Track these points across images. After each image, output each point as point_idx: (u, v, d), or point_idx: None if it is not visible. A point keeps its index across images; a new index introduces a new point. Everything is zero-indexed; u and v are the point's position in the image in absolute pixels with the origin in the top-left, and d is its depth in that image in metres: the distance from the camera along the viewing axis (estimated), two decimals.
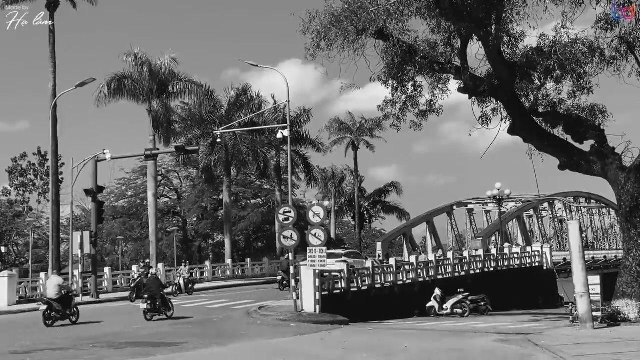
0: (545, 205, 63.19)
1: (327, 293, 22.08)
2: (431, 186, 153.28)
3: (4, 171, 68.99)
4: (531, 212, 61.64)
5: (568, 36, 18.07)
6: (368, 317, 22.13)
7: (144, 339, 15.59)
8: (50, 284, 19.85)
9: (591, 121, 19.37)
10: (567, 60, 18.05)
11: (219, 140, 38.07)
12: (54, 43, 36.34)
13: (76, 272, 31.18)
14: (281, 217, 21.70)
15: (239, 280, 40.04)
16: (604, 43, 18.26)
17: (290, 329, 17.37)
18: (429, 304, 27.13)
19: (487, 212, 62.99)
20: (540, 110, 20.33)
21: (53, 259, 32.14)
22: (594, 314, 15.66)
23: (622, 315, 16.95)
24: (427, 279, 30.53)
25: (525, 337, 14.74)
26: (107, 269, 34.16)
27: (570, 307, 17.49)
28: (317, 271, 20.44)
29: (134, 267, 31.75)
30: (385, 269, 28.76)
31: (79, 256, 34.41)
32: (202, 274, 39.48)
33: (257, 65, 31.72)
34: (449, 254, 36.00)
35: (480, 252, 38.55)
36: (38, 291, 28.66)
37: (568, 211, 64.35)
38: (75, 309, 19.67)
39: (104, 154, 30.23)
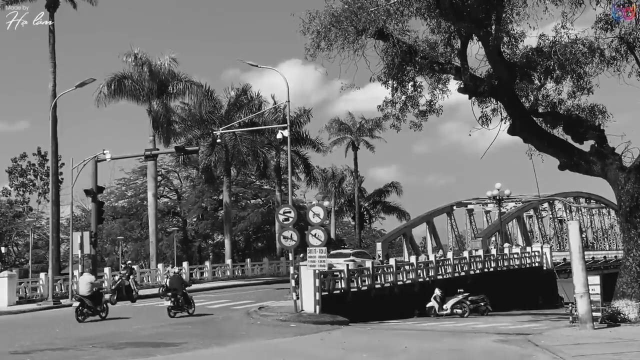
0: (545, 205, 63.13)
1: (327, 293, 22.08)
2: (431, 186, 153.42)
3: (4, 171, 69.25)
4: (531, 212, 61.55)
5: (568, 36, 18.08)
6: (368, 318, 22.12)
7: (144, 339, 15.60)
8: (83, 282, 20.50)
9: (591, 121, 19.38)
10: (567, 60, 18.07)
11: (218, 140, 37.97)
12: (53, 43, 36.40)
13: (76, 273, 31.07)
14: (281, 217, 21.72)
15: (239, 280, 40.01)
16: (604, 43, 18.27)
17: (290, 329, 17.37)
18: (428, 304, 27.14)
19: (487, 212, 62.92)
20: (540, 110, 20.34)
21: (53, 259, 32.06)
22: (594, 314, 15.67)
23: (622, 315, 16.97)
24: (427, 279, 30.55)
25: (525, 337, 14.74)
26: (107, 269, 34.12)
27: (570, 308, 17.49)
28: (317, 271, 20.46)
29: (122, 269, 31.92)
30: (385, 269, 28.79)
31: (79, 256, 34.33)
32: (202, 274, 39.45)
33: (257, 66, 31.67)
34: (449, 254, 35.99)
35: (480, 252, 38.54)
36: (38, 291, 28.68)
37: (568, 211, 64.32)
38: (104, 305, 20.60)
39: (104, 154, 30.21)
